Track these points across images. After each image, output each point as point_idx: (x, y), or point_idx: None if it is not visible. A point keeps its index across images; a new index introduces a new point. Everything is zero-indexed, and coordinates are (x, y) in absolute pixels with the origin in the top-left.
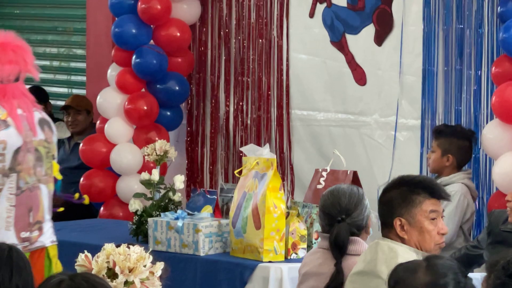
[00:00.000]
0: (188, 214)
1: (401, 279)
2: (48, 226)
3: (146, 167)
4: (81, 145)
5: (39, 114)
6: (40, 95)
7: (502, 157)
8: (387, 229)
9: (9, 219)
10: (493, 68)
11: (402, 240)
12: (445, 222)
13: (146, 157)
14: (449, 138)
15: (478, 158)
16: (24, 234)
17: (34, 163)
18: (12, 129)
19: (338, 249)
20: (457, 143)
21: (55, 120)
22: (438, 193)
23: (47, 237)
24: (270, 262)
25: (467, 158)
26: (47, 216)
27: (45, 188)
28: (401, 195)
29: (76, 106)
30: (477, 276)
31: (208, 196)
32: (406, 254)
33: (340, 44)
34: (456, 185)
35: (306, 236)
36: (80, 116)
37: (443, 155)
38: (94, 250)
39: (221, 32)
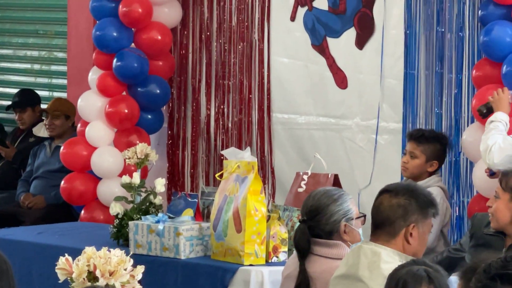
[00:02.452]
0: (169, 217)
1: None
2: None
3: (127, 170)
4: (61, 148)
5: None
6: (28, 98)
7: (482, 160)
8: (383, 230)
9: None
10: (474, 71)
11: (404, 247)
12: None
13: (127, 160)
14: (433, 144)
15: (459, 161)
16: None
17: None
18: None
19: (298, 250)
20: (440, 148)
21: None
22: (436, 214)
23: None
24: (251, 265)
25: (443, 162)
26: None
27: None
28: (419, 204)
29: (53, 111)
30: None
31: (189, 199)
32: (389, 258)
33: (321, 47)
34: (434, 188)
35: (287, 240)
36: (58, 121)
37: (427, 161)
38: (75, 253)
39: (202, 36)
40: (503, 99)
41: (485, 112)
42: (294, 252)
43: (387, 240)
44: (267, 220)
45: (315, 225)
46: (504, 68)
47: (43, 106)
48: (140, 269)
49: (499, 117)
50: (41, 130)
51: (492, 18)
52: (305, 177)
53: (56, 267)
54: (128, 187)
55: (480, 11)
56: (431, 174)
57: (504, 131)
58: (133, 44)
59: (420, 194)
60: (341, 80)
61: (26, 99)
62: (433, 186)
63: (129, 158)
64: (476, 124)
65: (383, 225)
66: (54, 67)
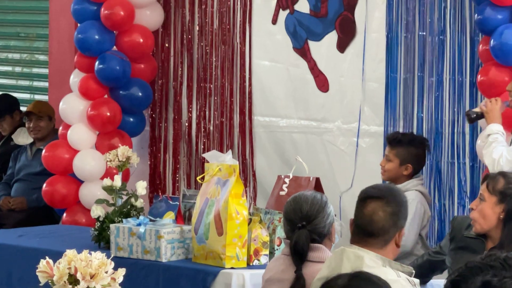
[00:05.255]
0: (150, 220)
1: None
2: None
3: (108, 173)
4: (43, 151)
5: None
6: (5, 105)
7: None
8: (379, 239)
9: None
10: (479, 76)
11: (394, 251)
12: (406, 230)
13: (108, 163)
14: (407, 148)
15: (439, 164)
16: None
17: None
18: None
19: (298, 256)
20: (415, 152)
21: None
22: None
23: None
24: (232, 268)
25: (422, 165)
26: None
27: None
28: (404, 209)
29: (38, 112)
30: (438, 282)
31: (171, 202)
32: (372, 262)
33: (302, 50)
34: (412, 192)
35: (268, 243)
36: (42, 122)
37: (401, 165)
38: (56, 256)
39: (184, 39)
40: (496, 110)
41: (474, 117)
42: (276, 255)
43: (381, 247)
44: (249, 223)
45: (313, 229)
46: None
47: (23, 108)
48: (121, 272)
49: (495, 129)
50: (19, 136)
51: (493, 21)
52: (287, 180)
53: (37, 270)
54: (109, 190)
55: (476, 15)
56: (409, 177)
57: (504, 142)
58: (115, 47)
59: (403, 199)
60: (322, 83)
61: (2, 106)
62: (411, 190)
63: (111, 161)
64: None
65: (378, 235)
66: (35, 70)
